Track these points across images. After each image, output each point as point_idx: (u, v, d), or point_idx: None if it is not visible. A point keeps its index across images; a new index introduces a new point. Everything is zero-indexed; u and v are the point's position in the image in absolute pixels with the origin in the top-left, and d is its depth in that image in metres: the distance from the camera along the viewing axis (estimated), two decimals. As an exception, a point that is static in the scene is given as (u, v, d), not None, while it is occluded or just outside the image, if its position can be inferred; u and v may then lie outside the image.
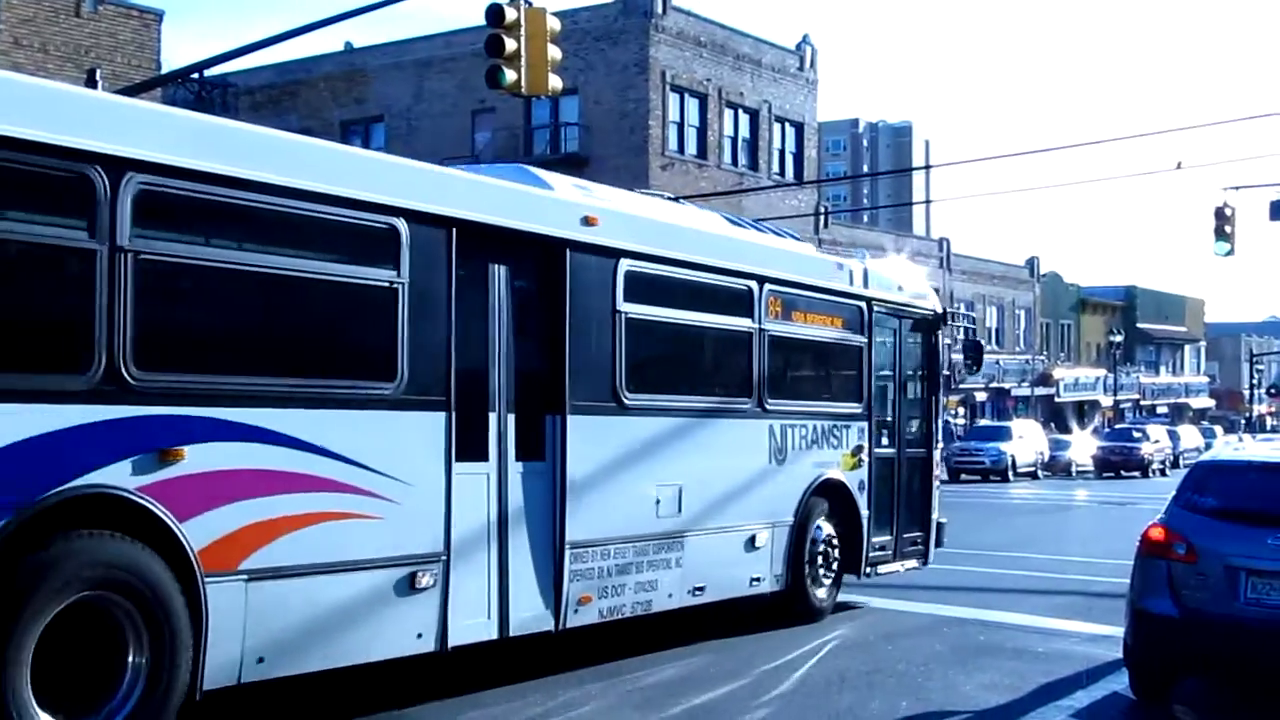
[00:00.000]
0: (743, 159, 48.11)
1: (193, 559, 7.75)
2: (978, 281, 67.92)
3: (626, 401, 11.23)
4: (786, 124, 50.09)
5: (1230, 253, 32.53)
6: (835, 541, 14.10)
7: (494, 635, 9.94)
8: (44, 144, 7.14)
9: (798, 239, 15.51)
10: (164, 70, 28.99)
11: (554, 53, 17.24)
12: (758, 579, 13.03)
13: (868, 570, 14.62)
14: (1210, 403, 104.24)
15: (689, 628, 12.56)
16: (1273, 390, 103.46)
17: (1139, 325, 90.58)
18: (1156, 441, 58.71)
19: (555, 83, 17.42)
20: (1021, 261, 75.43)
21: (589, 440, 10.73)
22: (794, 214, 47.07)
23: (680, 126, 45.34)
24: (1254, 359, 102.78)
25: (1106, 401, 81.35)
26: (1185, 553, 9.72)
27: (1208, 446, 52.41)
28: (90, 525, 7.32)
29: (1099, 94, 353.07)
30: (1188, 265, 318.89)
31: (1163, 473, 56.46)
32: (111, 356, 7.40)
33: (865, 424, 14.65)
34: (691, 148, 45.87)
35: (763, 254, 13.45)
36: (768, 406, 13.08)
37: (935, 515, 16.01)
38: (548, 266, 10.60)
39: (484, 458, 9.93)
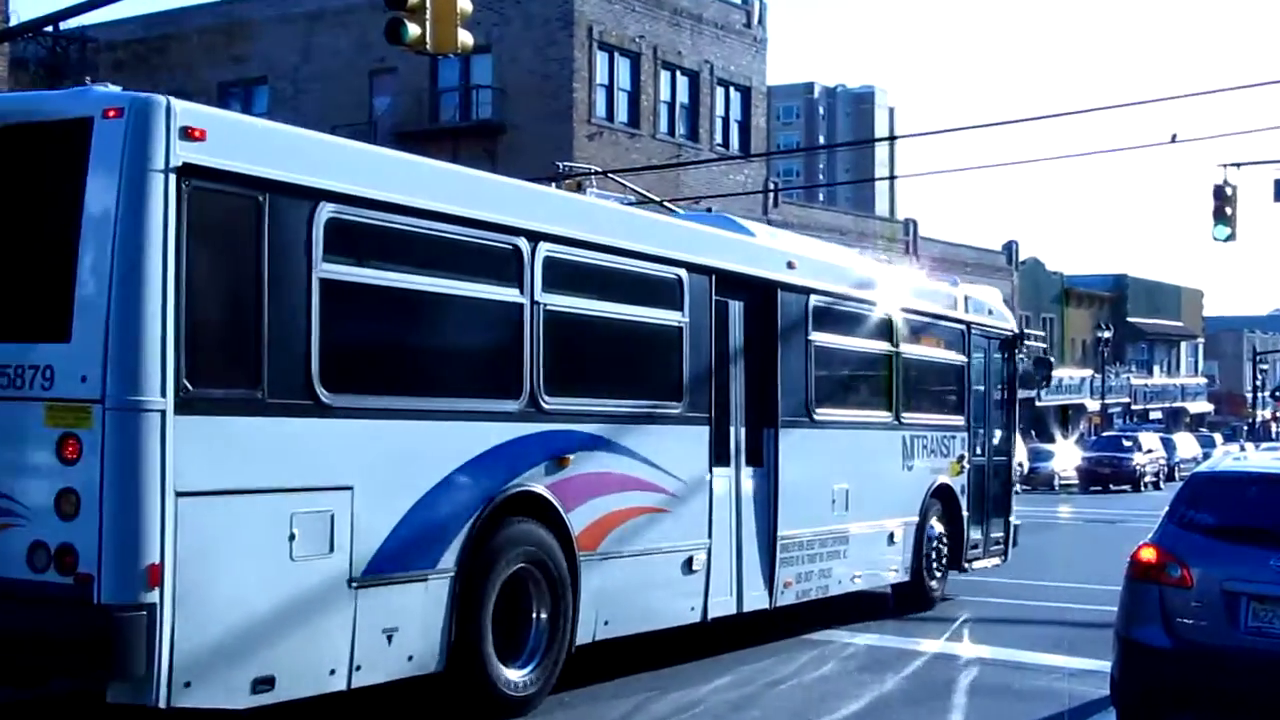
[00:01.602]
0: (680, 128, 48.66)
1: (574, 540, 11.68)
2: (949, 269, 68.40)
3: (815, 416, 15.36)
4: (731, 88, 50.74)
5: (1231, 237, 33.32)
6: (945, 539, 18.21)
7: (733, 610, 13.99)
8: (492, 223, 11.03)
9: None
10: (13, 23, 28.57)
11: (464, 5, 17.19)
12: (894, 569, 17.18)
13: (966, 565, 18.82)
14: (1209, 407, 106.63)
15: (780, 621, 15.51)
16: (1278, 393, 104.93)
17: (1130, 319, 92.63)
18: (1149, 451, 60.42)
19: (465, 39, 17.43)
20: (998, 246, 76.92)
21: (791, 449, 14.78)
22: (739, 191, 47.44)
23: (609, 90, 45.79)
24: (1257, 357, 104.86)
25: (1093, 405, 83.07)
26: (1180, 576, 9.93)
27: (1206, 456, 53.38)
28: (521, 514, 11.16)
29: (1085, 59, 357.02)
30: (1184, 252, 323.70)
31: (1156, 486, 58.17)
32: (533, 386, 11.35)
33: (966, 435, 18.92)
34: (622, 115, 46.36)
35: (897, 287, 17.66)
36: (902, 420, 17.18)
37: (1012, 518, 20.49)
38: (764, 304, 14.63)
39: (728, 464, 13.99)
